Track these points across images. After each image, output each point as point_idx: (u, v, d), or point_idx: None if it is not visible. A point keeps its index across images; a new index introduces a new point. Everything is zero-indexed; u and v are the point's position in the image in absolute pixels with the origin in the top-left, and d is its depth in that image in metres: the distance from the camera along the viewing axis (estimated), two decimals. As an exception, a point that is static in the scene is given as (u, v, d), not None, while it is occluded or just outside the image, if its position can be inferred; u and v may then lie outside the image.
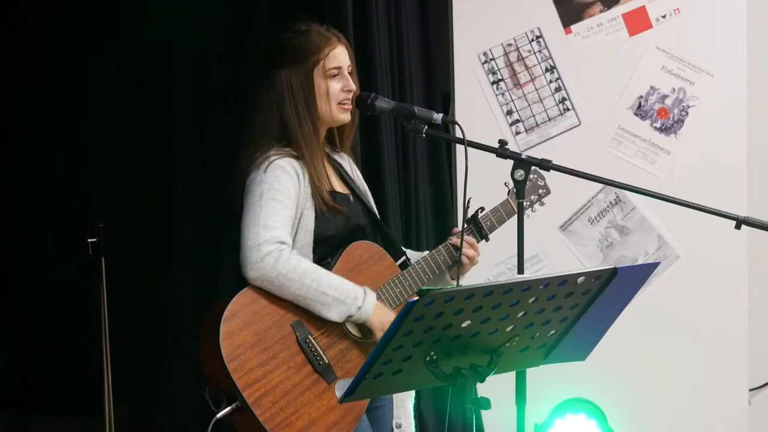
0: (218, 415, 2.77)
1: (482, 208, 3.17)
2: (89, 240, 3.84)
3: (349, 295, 2.89)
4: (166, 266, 4.29)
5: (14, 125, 4.33)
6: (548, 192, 3.32)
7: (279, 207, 2.88)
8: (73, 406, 4.19)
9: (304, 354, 2.87)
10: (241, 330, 2.80)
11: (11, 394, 4.27)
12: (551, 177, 3.17)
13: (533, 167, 2.95)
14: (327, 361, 2.88)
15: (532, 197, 3.27)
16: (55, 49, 4.33)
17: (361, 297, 2.91)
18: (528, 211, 3.26)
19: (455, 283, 3.11)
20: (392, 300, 3.03)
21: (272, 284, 2.84)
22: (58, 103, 4.34)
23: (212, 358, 2.78)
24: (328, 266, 2.96)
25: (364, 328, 2.98)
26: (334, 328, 2.93)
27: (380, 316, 2.94)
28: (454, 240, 3.11)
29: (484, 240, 3.19)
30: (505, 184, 3.17)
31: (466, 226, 3.11)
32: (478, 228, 3.16)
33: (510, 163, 2.90)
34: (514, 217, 3.02)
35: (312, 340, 2.88)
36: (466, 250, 3.10)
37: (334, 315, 2.89)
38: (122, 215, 4.21)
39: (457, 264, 3.09)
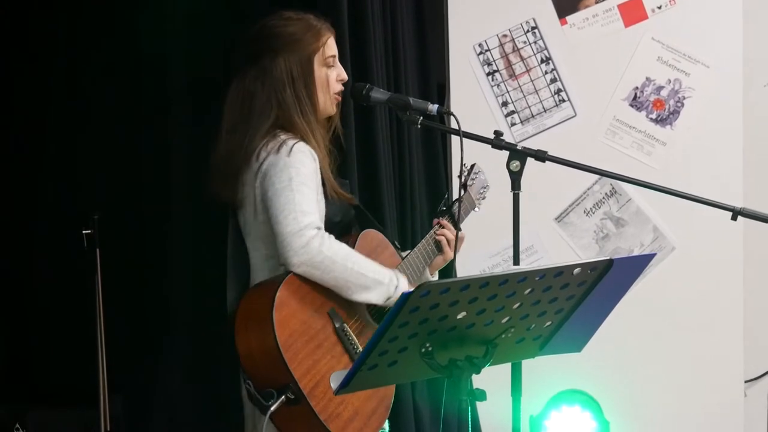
0: (272, 408, 2.66)
1: (459, 199, 3.15)
2: (84, 232, 3.83)
3: (385, 276, 2.87)
4: (161, 258, 4.27)
5: (9, 118, 4.32)
6: (488, 187, 3.31)
7: (310, 192, 2.83)
8: (68, 399, 4.17)
9: (341, 343, 2.83)
10: (291, 318, 2.73)
11: (6, 386, 4.26)
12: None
13: (474, 163, 3.05)
14: (361, 350, 2.85)
15: (482, 190, 3.26)
16: (50, 46, 4.32)
17: (395, 278, 2.89)
18: (477, 209, 3.27)
19: (433, 278, 3.11)
20: None
21: (317, 269, 2.77)
22: (53, 95, 4.32)
23: (262, 348, 2.69)
24: None
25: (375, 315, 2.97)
26: (360, 318, 2.91)
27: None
28: (439, 229, 3.12)
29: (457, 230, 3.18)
30: (459, 176, 3.16)
31: (444, 215, 3.12)
32: (451, 218, 3.15)
33: (505, 154, 2.90)
34: (511, 210, 3.03)
35: (347, 328, 2.86)
36: (446, 232, 3.10)
37: (375, 297, 2.86)
38: (117, 206, 4.19)
39: (438, 254, 3.11)
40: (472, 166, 3.22)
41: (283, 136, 2.91)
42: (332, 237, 2.82)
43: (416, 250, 3.08)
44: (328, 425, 2.71)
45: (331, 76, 3.01)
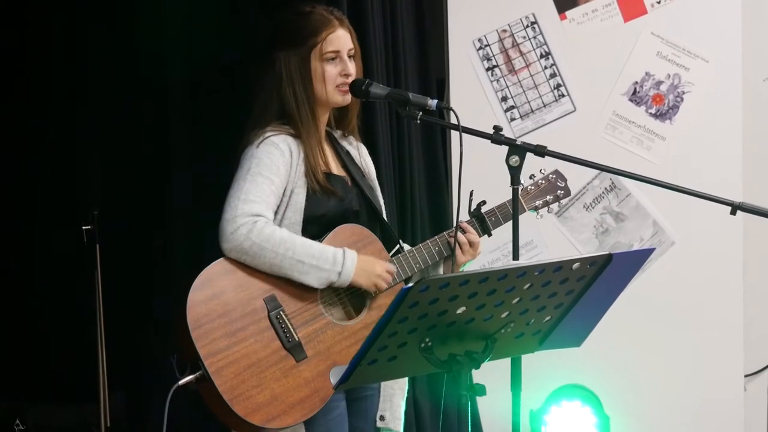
0: (179, 383, 2.79)
1: (484, 202, 3.12)
2: (84, 227, 3.83)
3: (327, 261, 2.88)
4: (161, 253, 4.28)
5: (9, 118, 4.32)
6: (568, 194, 3.24)
7: (264, 182, 2.90)
8: (69, 395, 4.18)
9: (274, 329, 2.86)
10: (209, 299, 2.81)
11: (6, 382, 4.26)
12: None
13: (555, 169, 3.04)
14: (297, 339, 2.86)
15: (548, 197, 3.20)
16: (50, 46, 4.31)
17: (340, 261, 2.89)
18: (542, 212, 3.22)
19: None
20: None
21: (247, 255, 2.84)
22: (53, 91, 4.32)
23: (180, 325, 2.80)
24: None
25: (348, 308, 2.97)
26: (312, 307, 2.92)
27: (366, 272, 2.92)
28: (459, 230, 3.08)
29: (486, 235, 3.13)
30: (531, 176, 3.14)
31: (468, 219, 3.10)
32: (481, 221, 3.12)
33: (505, 149, 2.89)
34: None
35: (284, 316, 2.87)
36: (461, 236, 3.07)
37: (314, 281, 2.88)
38: (117, 202, 4.19)
39: (452, 256, 3.07)
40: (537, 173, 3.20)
41: (269, 128, 2.98)
42: (269, 223, 2.87)
43: (415, 250, 3.07)
44: (233, 406, 2.77)
45: (329, 71, 3.02)
